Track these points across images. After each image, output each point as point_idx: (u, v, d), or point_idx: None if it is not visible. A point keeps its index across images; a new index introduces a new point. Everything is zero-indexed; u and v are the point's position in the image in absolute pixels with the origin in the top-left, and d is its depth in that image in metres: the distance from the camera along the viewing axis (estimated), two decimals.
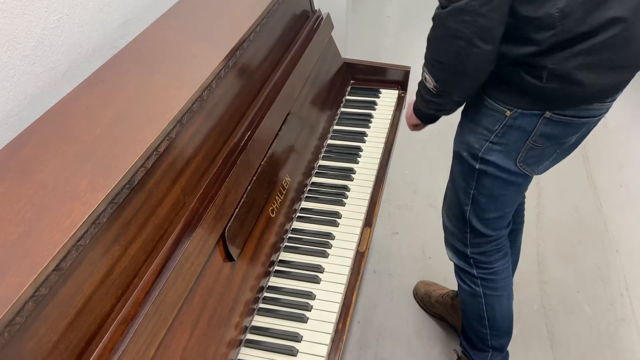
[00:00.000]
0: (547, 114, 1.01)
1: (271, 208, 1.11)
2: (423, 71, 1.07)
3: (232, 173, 0.97)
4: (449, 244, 1.42)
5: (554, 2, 0.86)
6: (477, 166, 1.16)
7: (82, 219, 0.65)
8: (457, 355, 1.57)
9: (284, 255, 1.14)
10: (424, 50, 1.04)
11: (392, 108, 1.53)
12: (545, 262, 1.95)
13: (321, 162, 1.37)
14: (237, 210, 0.98)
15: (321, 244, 1.16)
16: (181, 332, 0.81)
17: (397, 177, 2.25)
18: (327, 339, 0.98)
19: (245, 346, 0.98)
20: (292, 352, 0.96)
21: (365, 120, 1.48)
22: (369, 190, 1.30)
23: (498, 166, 1.13)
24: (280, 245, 1.15)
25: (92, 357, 0.65)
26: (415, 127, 1.28)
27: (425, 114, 1.17)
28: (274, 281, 1.09)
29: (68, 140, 0.78)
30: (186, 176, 0.91)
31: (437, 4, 0.94)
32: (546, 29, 0.89)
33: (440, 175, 2.19)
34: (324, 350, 0.96)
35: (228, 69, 1.05)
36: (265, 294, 1.06)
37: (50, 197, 0.68)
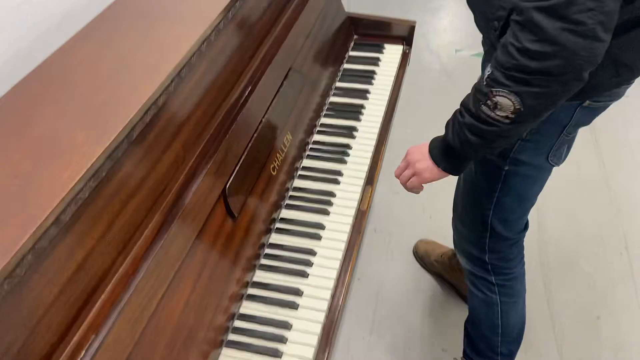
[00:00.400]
0: (586, 102, 0.95)
1: (272, 166, 1.11)
2: (486, 98, 0.84)
3: (232, 129, 0.96)
4: (461, 250, 1.34)
5: None
6: (506, 167, 1.07)
7: (80, 173, 0.64)
8: None
9: (285, 213, 1.14)
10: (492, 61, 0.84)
11: (396, 65, 1.49)
12: (545, 221, 1.96)
13: (323, 120, 1.35)
14: (238, 167, 0.97)
15: (322, 202, 1.16)
16: (183, 287, 0.82)
17: (400, 136, 2.23)
18: (328, 294, 0.99)
19: (246, 300, 0.99)
20: (294, 306, 0.97)
21: (368, 77, 1.46)
22: (371, 148, 1.28)
23: (530, 164, 1.06)
24: (282, 203, 1.15)
25: (93, 310, 0.66)
26: (416, 188, 1.08)
27: (462, 161, 0.97)
28: (275, 238, 1.09)
29: (64, 93, 0.76)
30: (186, 131, 0.89)
31: None
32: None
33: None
34: (324, 305, 0.97)
35: (227, 21, 1.02)
36: (267, 251, 1.07)
37: (47, 149, 0.67)
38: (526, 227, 1.26)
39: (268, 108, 1.09)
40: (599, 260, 1.85)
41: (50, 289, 0.62)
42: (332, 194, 1.17)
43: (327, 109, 1.38)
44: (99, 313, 0.66)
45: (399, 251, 1.89)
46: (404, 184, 1.09)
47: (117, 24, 0.93)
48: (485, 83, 0.85)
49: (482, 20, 0.98)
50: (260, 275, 1.03)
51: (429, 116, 2.39)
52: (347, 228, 1.11)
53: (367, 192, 1.20)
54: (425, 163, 1.02)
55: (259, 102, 1.06)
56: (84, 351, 0.62)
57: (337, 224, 1.12)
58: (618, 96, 0.99)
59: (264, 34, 1.18)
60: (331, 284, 1.01)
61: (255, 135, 1.03)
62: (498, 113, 0.84)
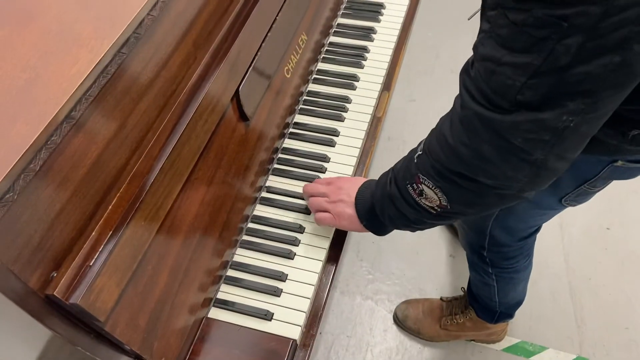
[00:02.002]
0: (619, 162, 0.79)
1: (286, 68, 1.07)
2: (412, 181, 0.71)
3: (245, 27, 0.91)
4: (462, 235, 1.26)
5: None
6: None
7: (89, 68, 0.62)
8: (463, 292, 1.50)
9: (299, 118, 1.12)
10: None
11: None
12: None
13: (340, 20, 1.29)
14: (251, 67, 0.93)
15: (337, 108, 1.13)
16: (197, 187, 0.82)
17: (419, 40, 2.14)
18: None
19: (260, 203, 1.00)
20: (307, 211, 0.98)
21: None
22: (390, 52, 1.23)
23: (537, 204, 0.94)
24: (296, 107, 1.13)
25: (110, 207, 0.67)
26: (324, 221, 0.91)
27: (386, 229, 0.85)
28: (288, 143, 1.08)
29: None
30: (197, 28, 0.85)
31: None
32: None
33: (466, 39, 2.08)
34: None
35: None
36: (280, 155, 1.06)
37: (54, 43, 0.64)
38: (537, 231, 1.13)
39: (282, 5, 1.03)
40: None
41: (65, 185, 0.62)
42: (347, 99, 1.14)
43: (345, 8, 1.31)
44: (115, 210, 0.67)
45: None
46: (313, 210, 0.93)
47: None
48: (415, 161, 0.72)
49: None
50: (273, 179, 1.03)
51: (451, 17, 2.27)
52: (362, 135, 1.09)
53: (383, 98, 1.16)
54: (349, 209, 0.87)
55: None
56: (102, 246, 0.64)
57: (352, 130, 1.10)
58: None
59: None
60: None
61: (268, 34, 0.99)
62: (423, 201, 0.72)
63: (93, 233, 0.65)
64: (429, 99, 2.01)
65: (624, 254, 1.69)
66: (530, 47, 0.51)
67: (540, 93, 0.53)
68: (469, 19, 0.65)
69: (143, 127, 0.74)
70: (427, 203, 0.71)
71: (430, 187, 0.69)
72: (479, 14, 0.62)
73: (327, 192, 0.90)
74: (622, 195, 1.80)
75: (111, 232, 0.65)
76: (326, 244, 0.94)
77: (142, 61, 0.73)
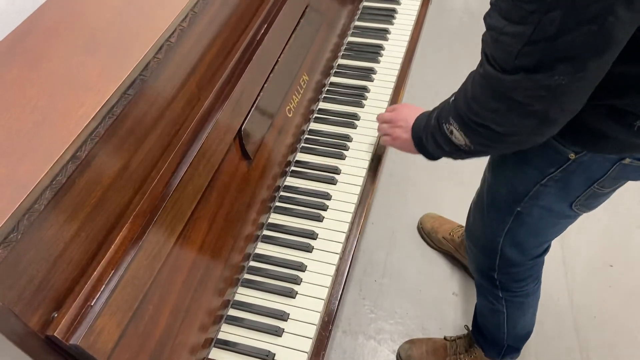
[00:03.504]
0: (627, 160, 0.81)
1: (288, 107, 1.09)
2: (447, 121, 0.83)
3: (248, 68, 0.94)
4: (471, 259, 1.25)
5: None
6: (519, 209, 0.97)
7: (95, 109, 0.63)
8: (467, 330, 1.47)
9: (301, 156, 1.13)
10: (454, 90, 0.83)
11: (418, 3, 1.43)
12: None
13: (341, 61, 1.32)
14: (253, 107, 0.95)
15: (339, 146, 1.14)
16: (199, 226, 0.83)
17: (419, 77, 2.17)
18: (342, 237, 1.00)
19: (262, 241, 1.00)
20: (308, 248, 0.98)
21: (389, 15, 1.40)
22: (390, 91, 1.25)
23: (547, 209, 0.95)
24: (297, 145, 1.14)
25: (113, 246, 0.67)
26: (385, 142, 1.09)
27: (434, 157, 0.97)
28: (290, 181, 1.09)
29: (77, 27, 0.74)
30: (201, 70, 0.87)
31: None
32: None
33: (464, 77, 2.11)
34: (338, 248, 0.98)
35: None
36: (282, 193, 1.07)
37: (61, 85, 0.66)
38: (546, 250, 1.13)
39: (284, 47, 1.06)
40: (617, 207, 1.84)
41: (69, 224, 0.62)
42: (348, 138, 1.16)
43: (345, 50, 1.34)
44: (117, 249, 0.67)
45: (413, 196, 1.88)
46: (380, 133, 1.10)
47: None
48: (449, 105, 0.84)
49: None
50: (275, 217, 1.03)
51: (450, 57, 2.31)
52: (363, 172, 1.10)
53: None
54: (405, 134, 1.00)
55: (275, 41, 1.03)
56: (103, 285, 0.64)
57: (353, 168, 1.11)
58: None
59: None
60: (345, 227, 1.01)
61: (271, 75, 1.01)
62: (454, 139, 0.83)
63: (95, 272, 0.65)
64: None
65: (628, 291, 1.67)
66: (523, 19, 0.61)
67: (534, 58, 0.62)
68: None
69: (147, 167, 0.75)
70: (456, 141, 0.83)
71: (457, 129, 0.81)
72: None
73: (391, 118, 1.06)
74: (624, 231, 1.79)
75: (113, 271, 0.65)
76: (328, 281, 0.94)
77: (147, 102, 0.74)
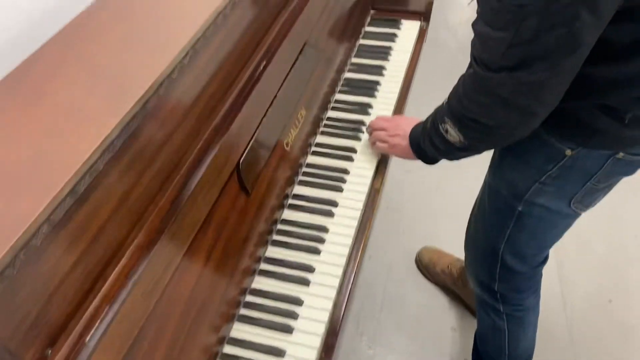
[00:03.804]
0: (620, 154, 0.87)
1: (286, 141, 1.10)
2: (442, 121, 0.91)
3: (247, 103, 0.95)
4: (471, 273, 1.27)
5: None
6: (520, 208, 1.01)
7: (95, 144, 0.63)
8: None
9: (298, 189, 1.14)
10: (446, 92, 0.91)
11: (413, 41, 1.46)
12: None
13: (338, 96, 1.33)
14: (251, 141, 0.96)
15: (336, 179, 1.15)
16: (196, 260, 0.82)
17: (414, 113, 2.20)
18: (340, 271, 0.99)
19: (259, 275, 0.99)
20: (305, 282, 0.97)
21: (385, 53, 1.43)
22: None
23: (547, 208, 0.98)
24: (295, 179, 1.15)
25: (109, 280, 0.66)
26: (382, 149, 1.14)
27: (432, 159, 1.04)
28: (288, 214, 1.09)
29: (80, 63, 0.75)
30: (200, 105, 0.88)
31: None
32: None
33: None
34: (336, 282, 0.97)
35: None
36: (279, 226, 1.07)
37: (63, 120, 0.66)
38: (545, 260, 1.16)
39: (282, 83, 1.08)
40: (613, 241, 1.84)
41: (65, 259, 0.62)
42: (345, 171, 1.16)
43: (342, 85, 1.36)
44: (113, 284, 0.67)
45: (410, 229, 1.88)
46: (373, 139, 1.14)
47: None
48: (444, 106, 0.93)
49: None
50: (273, 251, 1.03)
51: (444, 95, 2.36)
52: (360, 205, 1.10)
53: (380, 170, 1.19)
54: (403, 142, 1.07)
55: (274, 77, 1.05)
56: (98, 322, 0.63)
57: (350, 201, 1.11)
58: None
59: (279, 7, 1.15)
60: (343, 261, 1.01)
61: (269, 110, 1.02)
62: (449, 137, 0.91)
63: (90, 308, 0.64)
64: (425, 169, 2.04)
65: (627, 327, 1.65)
66: (504, 26, 0.69)
67: (514, 59, 0.71)
68: (468, 4, 0.92)
69: (144, 200, 0.76)
70: (451, 139, 0.90)
71: (451, 127, 0.89)
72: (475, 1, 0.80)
73: (387, 127, 1.12)
74: (621, 266, 1.79)
75: (108, 306, 0.65)
76: (325, 316, 0.93)
77: (147, 137, 0.75)
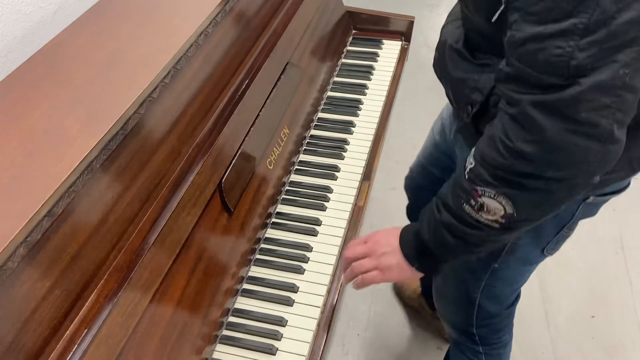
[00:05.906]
0: (590, 198, 0.81)
1: (269, 160, 1.10)
2: (471, 196, 0.68)
3: (229, 122, 0.95)
4: (445, 318, 1.21)
5: None
6: (495, 265, 0.95)
7: (74, 165, 0.63)
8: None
9: (282, 208, 1.13)
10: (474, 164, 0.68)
11: (395, 60, 1.48)
12: None
13: (320, 115, 1.34)
14: (234, 160, 0.96)
15: (319, 197, 1.15)
16: (177, 281, 0.81)
17: (397, 131, 2.22)
18: (323, 290, 0.98)
19: (241, 295, 0.98)
20: (289, 302, 0.96)
21: (367, 72, 1.45)
22: (369, 144, 1.27)
23: (522, 259, 0.95)
24: (278, 197, 1.14)
25: (87, 303, 0.65)
26: (373, 283, 0.85)
27: (444, 262, 0.79)
28: (271, 233, 1.08)
29: (59, 83, 0.75)
30: (182, 124, 0.88)
31: None
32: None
33: None
34: (320, 301, 0.97)
35: (225, 14, 1.01)
36: (262, 245, 1.06)
37: (41, 141, 0.66)
38: (519, 296, 1.13)
39: (265, 102, 1.08)
40: (595, 259, 1.85)
41: (42, 282, 0.61)
42: (328, 189, 1.16)
43: (325, 104, 1.37)
44: (91, 307, 0.65)
45: None
46: (355, 274, 0.86)
47: (113, 16, 0.91)
48: (466, 177, 0.69)
49: (454, 95, 0.83)
50: (255, 270, 1.02)
51: (426, 112, 2.38)
52: (344, 224, 1.10)
53: (364, 188, 1.19)
54: (394, 258, 0.82)
55: (256, 96, 1.05)
56: (76, 346, 0.62)
57: (334, 219, 1.11)
58: (624, 187, 0.85)
59: (261, 27, 1.16)
60: (327, 280, 1.00)
61: (251, 129, 1.02)
62: (484, 216, 0.68)
63: (68, 332, 0.63)
64: None
65: (610, 343, 1.66)
66: (573, 10, 0.53)
67: (592, 53, 0.54)
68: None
69: (124, 221, 0.75)
70: (489, 217, 0.67)
71: (492, 196, 0.66)
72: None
73: (367, 251, 0.85)
74: (604, 282, 1.80)
75: (87, 330, 0.63)
76: (309, 337, 0.92)
77: (127, 156, 0.75)
